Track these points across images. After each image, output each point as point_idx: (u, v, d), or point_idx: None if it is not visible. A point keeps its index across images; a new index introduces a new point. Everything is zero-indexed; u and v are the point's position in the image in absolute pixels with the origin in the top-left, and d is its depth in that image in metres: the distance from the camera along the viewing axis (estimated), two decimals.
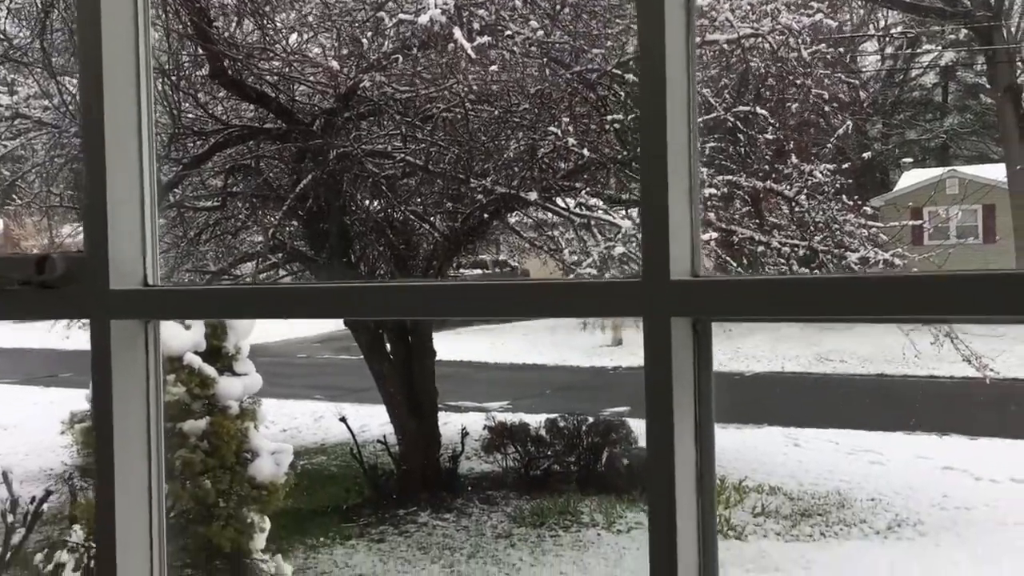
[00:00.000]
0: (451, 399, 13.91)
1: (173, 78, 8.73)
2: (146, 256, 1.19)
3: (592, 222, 7.52)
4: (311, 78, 8.73)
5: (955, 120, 40.71)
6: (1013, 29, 25.98)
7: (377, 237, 9.86)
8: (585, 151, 6.77)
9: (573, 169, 7.55)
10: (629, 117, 7.08)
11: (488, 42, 6.04)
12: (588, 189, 7.40)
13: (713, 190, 7.14)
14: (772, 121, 7.66)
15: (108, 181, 1.14)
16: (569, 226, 8.26)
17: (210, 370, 5.02)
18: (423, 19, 5.73)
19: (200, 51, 8.58)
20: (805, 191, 8.98)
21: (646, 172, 1.04)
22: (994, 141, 45.13)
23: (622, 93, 7.20)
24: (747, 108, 7.49)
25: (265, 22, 8.70)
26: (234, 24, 8.85)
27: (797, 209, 9.11)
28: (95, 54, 1.12)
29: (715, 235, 6.93)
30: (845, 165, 9.41)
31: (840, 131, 8.97)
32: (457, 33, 5.84)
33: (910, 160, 37.08)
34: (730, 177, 7.18)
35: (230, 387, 5.02)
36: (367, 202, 9.74)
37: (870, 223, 9.23)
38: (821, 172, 8.96)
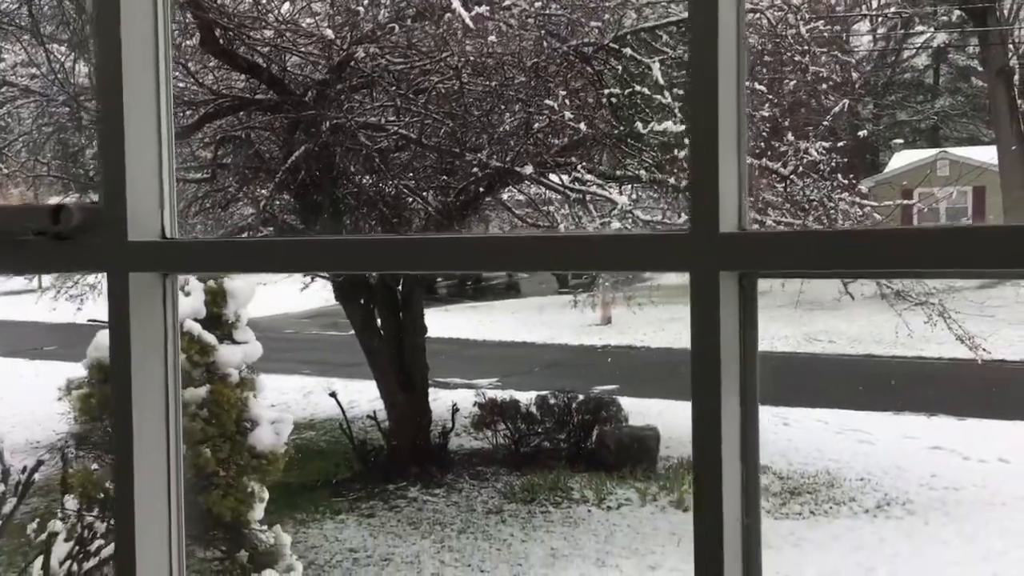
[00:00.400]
0: (440, 375, 13.88)
1: None
2: (164, 208, 1.14)
3: (587, 197, 7.48)
4: (303, 48, 8.62)
5: (946, 102, 40.76)
6: (1006, 11, 25.96)
7: (369, 211, 9.78)
8: (582, 126, 6.71)
9: (568, 144, 7.49)
10: (626, 92, 7.02)
11: (486, 12, 5.95)
12: (584, 164, 7.34)
13: None
14: (771, 96, 7.61)
15: (126, 128, 1.10)
16: (564, 201, 8.20)
17: (210, 337, 4.93)
18: None
19: (192, 19, 8.45)
20: (800, 169, 8.95)
21: (695, 120, 1.00)
22: (984, 123, 45.21)
23: (619, 67, 7.14)
24: (746, 84, 7.43)
25: None
26: None
27: (790, 188, 9.08)
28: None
29: None
30: (840, 144, 9.38)
31: (836, 109, 8.92)
32: (455, 2, 5.75)
33: (901, 141, 37.11)
34: None
35: (230, 355, 4.94)
36: (359, 176, 9.66)
37: (864, 202, 9.22)
38: (816, 150, 8.93)
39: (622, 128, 7.12)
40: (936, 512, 9.03)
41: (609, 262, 1.03)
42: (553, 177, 8.05)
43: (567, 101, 6.67)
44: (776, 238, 1.04)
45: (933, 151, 30.10)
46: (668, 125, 6.64)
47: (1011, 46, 25.03)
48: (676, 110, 6.74)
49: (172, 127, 1.15)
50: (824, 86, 8.27)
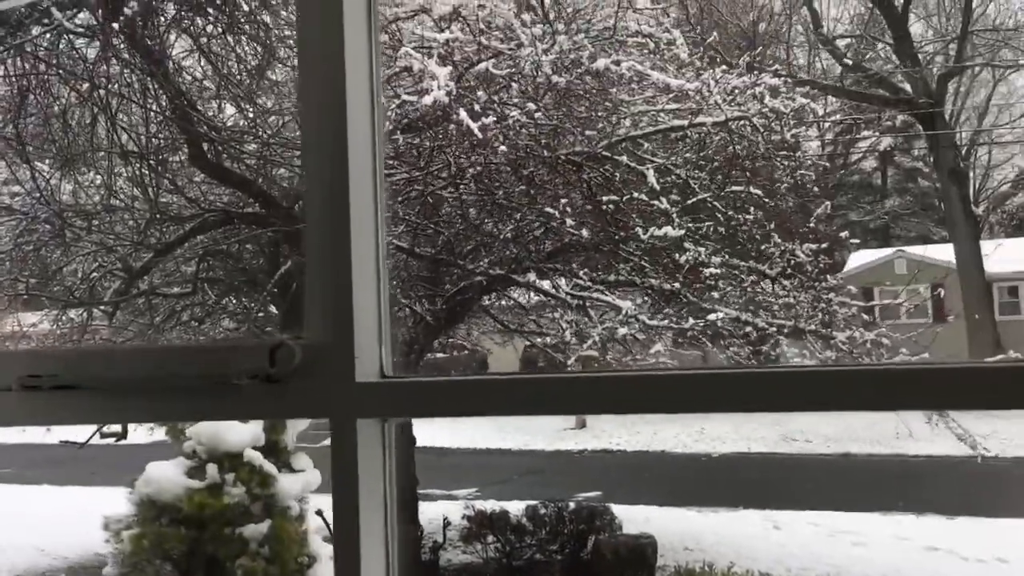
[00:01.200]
0: (419, 487, 13.51)
1: (152, 161, 8.57)
2: (382, 344, 1.04)
3: (587, 303, 7.46)
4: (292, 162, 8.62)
5: (895, 202, 41.99)
6: (949, 117, 26.93)
7: None
8: (584, 232, 6.74)
9: (561, 247, 7.51)
10: (624, 198, 7.09)
11: (492, 122, 6.00)
12: (585, 271, 7.36)
13: (714, 269, 7.14)
14: (765, 200, 7.72)
15: (352, 259, 1.00)
16: (557, 307, 8.15)
17: (270, 468, 4.69)
18: (427, 100, 5.68)
19: (181, 133, 8.43)
20: (788, 271, 9.04)
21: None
22: (934, 222, 46.55)
23: (616, 174, 7.22)
24: (740, 188, 7.56)
25: (246, 105, 8.59)
26: (215, 106, 8.75)
27: (780, 289, 9.15)
28: (339, 130, 0.99)
29: (722, 316, 6.91)
30: (824, 244, 9.51)
31: (818, 211, 9.08)
32: (463, 114, 5.79)
33: (856, 241, 37.98)
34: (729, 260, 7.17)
35: (290, 486, 4.69)
36: None
37: (853, 302, 9.29)
38: (803, 252, 9.04)
39: (623, 233, 7.16)
40: None
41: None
42: (546, 282, 8.03)
43: (568, 208, 6.71)
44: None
45: (890, 250, 30.80)
46: (668, 230, 6.69)
47: (960, 148, 25.93)
48: (674, 215, 6.80)
49: (384, 258, 1.06)
50: (812, 188, 8.41)
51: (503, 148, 6.26)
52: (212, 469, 5.11)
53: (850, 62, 27.98)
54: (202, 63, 8.19)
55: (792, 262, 9.16)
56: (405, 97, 6.08)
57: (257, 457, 4.82)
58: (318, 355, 0.99)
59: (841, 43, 25.66)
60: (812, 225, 8.79)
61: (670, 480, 16.22)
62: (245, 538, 4.54)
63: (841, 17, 29.07)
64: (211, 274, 9.91)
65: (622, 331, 6.83)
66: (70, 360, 1.00)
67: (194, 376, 0.99)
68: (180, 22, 8.12)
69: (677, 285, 7.01)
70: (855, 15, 27.71)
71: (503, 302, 10.86)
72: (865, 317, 9.27)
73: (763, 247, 8.96)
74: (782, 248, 9.01)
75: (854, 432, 18.82)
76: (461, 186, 7.01)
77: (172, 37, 8.32)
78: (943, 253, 29.29)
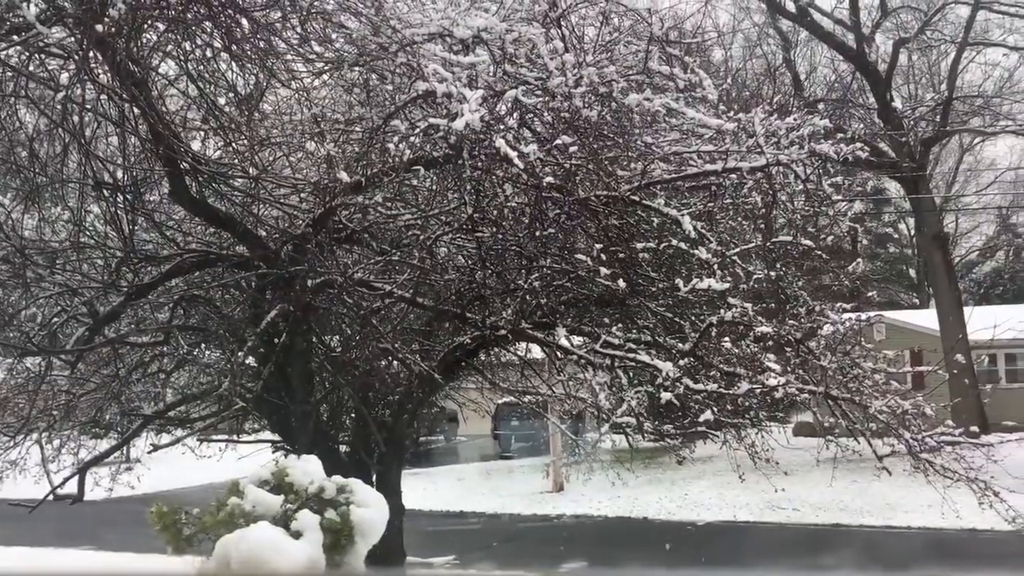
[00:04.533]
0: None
1: (128, 195, 7.76)
2: None
3: (617, 362, 6.70)
4: (285, 201, 7.87)
5: (867, 267, 42.23)
6: (934, 180, 26.96)
7: (344, 376, 8.83)
8: (620, 282, 6.03)
9: (592, 300, 6.77)
10: (661, 245, 6.41)
11: (535, 151, 5.29)
12: (617, 327, 6.63)
13: (765, 328, 6.44)
14: (818, 251, 7.10)
15: None
16: (588, 367, 7.36)
17: None
18: (458, 124, 4.97)
19: (161, 166, 7.63)
20: (819, 335, 8.38)
21: None
22: (904, 288, 46.75)
23: (655, 220, 6.56)
24: (787, 239, 6.94)
25: (234, 137, 7.82)
26: (201, 139, 7.99)
27: (806, 353, 8.47)
28: None
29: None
30: (852, 304, 8.92)
31: (849, 268, 8.48)
32: (499, 142, 5.10)
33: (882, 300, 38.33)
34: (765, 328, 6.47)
35: None
36: (335, 338, 8.77)
37: (879, 367, 8.65)
38: (836, 313, 8.41)
39: (661, 285, 6.48)
40: None
41: None
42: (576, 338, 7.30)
43: (602, 256, 6.01)
44: None
45: (869, 315, 30.50)
46: (711, 283, 6.01)
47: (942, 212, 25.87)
48: (715, 266, 6.14)
49: None
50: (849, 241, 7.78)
51: (549, 179, 5.56)
52: None
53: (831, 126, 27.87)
54: (189, 89, 7.45)
55: (820, 323, 8.51)
56: (432, 120, 5.38)
57: None
58: None
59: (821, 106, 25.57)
60: (844, 283, 8.19)
61: (659, 546, 15.38)
62: None
63: (825, 79, 29.01)
64: (187, 321, 9.04)
65: (666, 396, 6.10)
66: None
67: None
68: (166, 44, 7.38)
69: (728, 345, 6.31)
70: (836, 79, 27.72)
71: (500, 359, 10.13)
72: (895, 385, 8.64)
73: (790, 306, 8.32)
74: (810, 307, 8.39)
75: (842, 501, 18.19)
76: (478, 228, 6.30)
77: (156, 60, 7.57)
78: (918, 318, 29.11)
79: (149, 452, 8.26)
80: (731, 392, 6.38)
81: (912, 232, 42.90)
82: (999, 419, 23.65)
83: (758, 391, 6.25)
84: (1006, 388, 25.78)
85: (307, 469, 4.62)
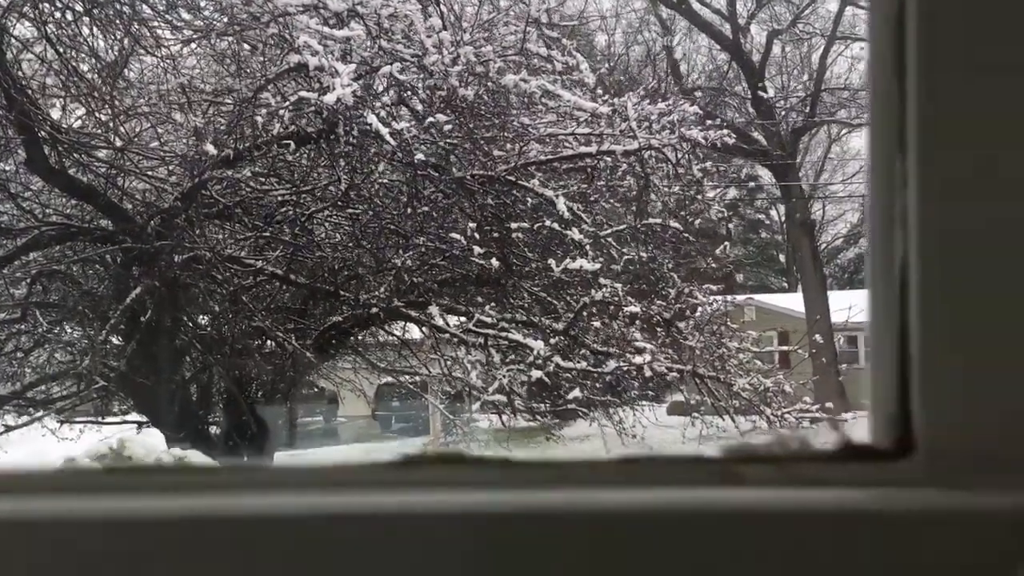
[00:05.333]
0: None
1: None
2: None
3: (490, 341, 6.73)
4: (153, 172, 7.59)
5: (739, 252, 43.60)
6: (803, 169, 27.92)
7: (215, 355, 8.61)
8: (494, 261, 6.05)
9: (463, 279, 6.79)
10: (536, 225, 6.47)
11: (408, 129, 5.24)
12: (491, 305, 6.66)
13: (634, 308, 6.59)
14: (687, 236, 7.29)
15: None
16: (445, 343, 7.39)
17: None
18: (329, 98, 4.87)
19: (15, 133, 7.26)
20: (687, 313, 8.64)
21: None
22: (774, 273, 48.46)
23: (530, 200, 6.60)
24: (657, 221, 7.10)
25: (97, 106, 7.50)
26: (60, 106, 7.62)
27: (676, 333, 8.73)
28: None
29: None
30: (720, 287, 9.21)
31: (717, 251, 8.76)
32: (371, 117, 5.02)
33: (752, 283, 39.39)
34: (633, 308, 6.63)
35: None
36: (206, 316, 8.54)
37: (751, 348, 8.98)
38: (702, 294, 8.67)
39: (535, 265, 6.54)
40: None
41: None
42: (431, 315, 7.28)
43: (476, 235, 6.03)
44: None
45: (740, 297, 31.53)
46: (583, 263, 6.10)
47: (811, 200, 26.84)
48: (587, 247, 6.23)
49: None
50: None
51: (420, 157, 5.52)
52: None
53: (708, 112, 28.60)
54: (48, 53, 7.08)
55: (689, 304, 8.77)
56: (303, 94, 5.26)
57: None
58: None
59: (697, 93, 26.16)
60: (712, 265, 8.44)
61: None
62: None
63: (703, 68, 29.78)
64: (46, 298, 8.64)
65: (536, 374, 6.17)
66: None
67: None
68: (22, 4, 7.00)
69: (598, 325, 6.43)
70: (714, 68, 28.46)
71: (378, 338, 10.05)
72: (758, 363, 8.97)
73: (660, 287, 8.54)
74: (679, 289, 8.62)
75: None
76: (352, 205, 6.21)
77: (12, 22, 7.17)
78: (787, 301, 30.29)
79: (1, 433, 7.88)
80: (599, 370, 6.50)
81: (783, 219, 44.59)
82: (858, 398, 24.80)
83: (625, 369, 6.40)
84: (863, 368, 27.08)
85: (147, 443, 4.52)
